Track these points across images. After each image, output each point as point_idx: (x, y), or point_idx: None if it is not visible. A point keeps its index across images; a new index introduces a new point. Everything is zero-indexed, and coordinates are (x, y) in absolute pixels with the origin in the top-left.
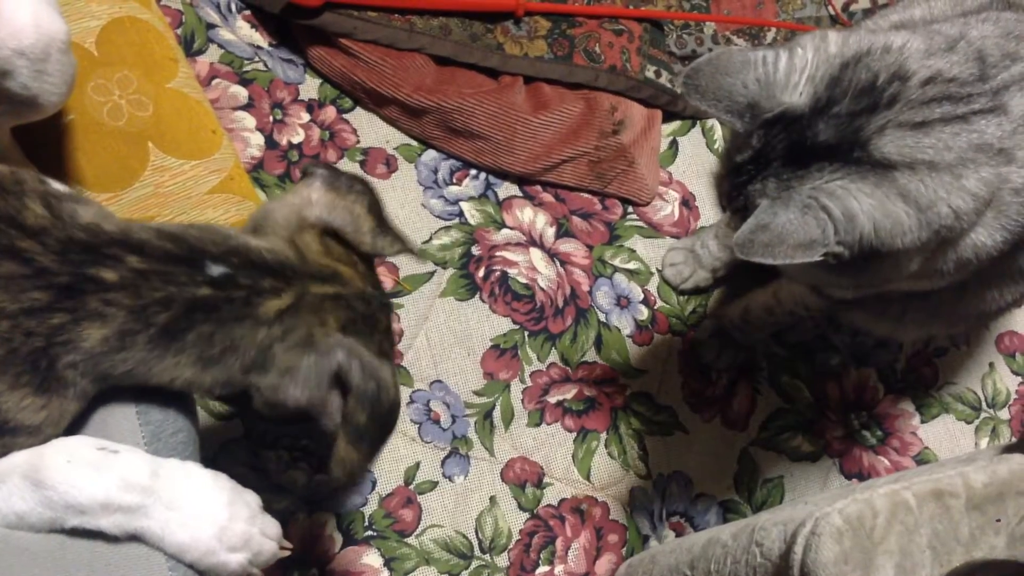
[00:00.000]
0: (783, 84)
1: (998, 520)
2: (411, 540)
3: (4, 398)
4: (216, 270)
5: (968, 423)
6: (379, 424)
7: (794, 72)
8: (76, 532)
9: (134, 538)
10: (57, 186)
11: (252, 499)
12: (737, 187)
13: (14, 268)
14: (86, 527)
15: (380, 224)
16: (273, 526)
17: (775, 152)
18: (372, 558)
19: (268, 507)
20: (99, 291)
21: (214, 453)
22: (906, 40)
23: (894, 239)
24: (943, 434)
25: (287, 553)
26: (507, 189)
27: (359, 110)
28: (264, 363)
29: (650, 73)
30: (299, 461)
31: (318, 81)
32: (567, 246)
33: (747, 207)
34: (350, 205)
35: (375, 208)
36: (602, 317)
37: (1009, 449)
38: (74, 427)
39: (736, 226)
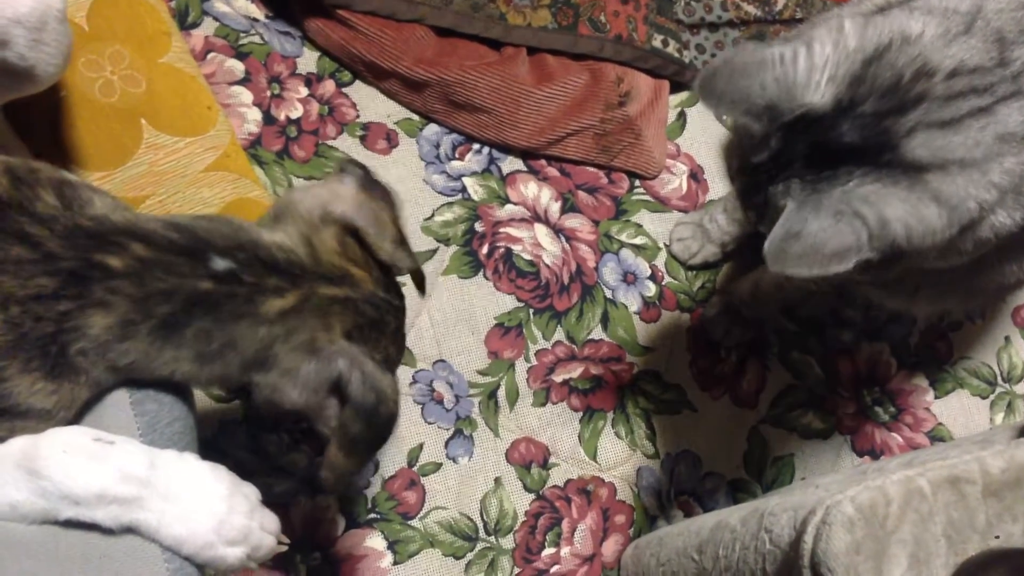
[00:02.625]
0: (804, 84)
1: (997, 536)
2: (415, 522)
3: (15, 382)
4: (220, 264)
5: (983, 398)
6: (374, 435)
7: (814, 71)
8: (70, 523)
9: (130, 530)
10: (72, 177)
11: (251, 492)
12: (755, 185)
13: (23, 252)
14: (81, 519)
15: (401, 237)
16: (272, 520)
17: (796, 153)
18: (375, 541)
19: (269, 490)
20: (104, 279)
21: (213, 436)
22: (923, 26)
23: (924, 240)
24: (957, 410)
25: (284, 548)
26: (511, 164)
27: (359, 84)
28: (265, 361)
29: (657, 42)
30: (300, 443)
31: (316, 54)
32: (572, 221)
33: (767, 204)
34: (378, 210)
35: (399, 221)
36: (608, 294)
37: None
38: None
39: (752, 221)
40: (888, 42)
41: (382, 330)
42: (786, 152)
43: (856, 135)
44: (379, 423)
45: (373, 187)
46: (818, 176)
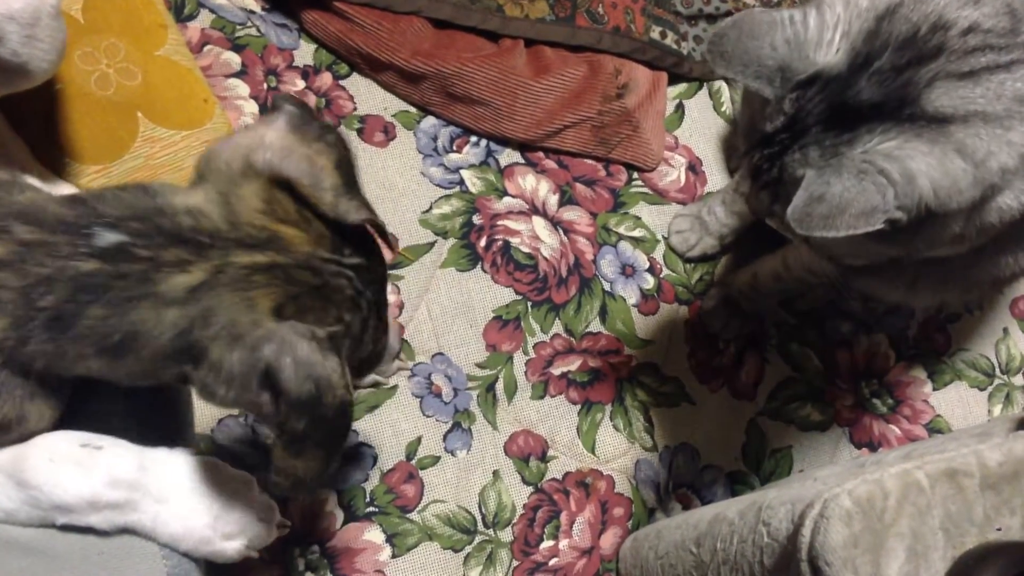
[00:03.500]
0: (815, 42)
1: (998, 529)
2: (413, 516)
3: None
4: (108, 238)
5: (981, 390)
6: (323, 430)
7: (826, 29)
8: (67, 526)
9: (126, 531)
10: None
11: (247, 483)
12: (769, 158)
13: None
14: (76, 523)
15: (347, 184)
16: (269, 508)
17: (812, 117)
18: (374, 534)
19: (267, 484)
20: None
21: (211, 430)
22: None
23: (951, 199)
24: (956, 401)
25: (285, 531)
26: (509, 156)
27: (356, 76)
28: (189, 353)
29: (655, 34)
30: None
31: (313, 46)
32: (570, 214)
33: (782, 179)
34: (313, 155)
35: (345, 166)
36: (607, 286)
37: None
38: (62, 417)
39: (763, 202)
40: (901, 0)
41: (328, 298)
42: (801, 117)
43: (874, 91)
44: (325, 416)
45: (309, 127)
46: (837, 139)
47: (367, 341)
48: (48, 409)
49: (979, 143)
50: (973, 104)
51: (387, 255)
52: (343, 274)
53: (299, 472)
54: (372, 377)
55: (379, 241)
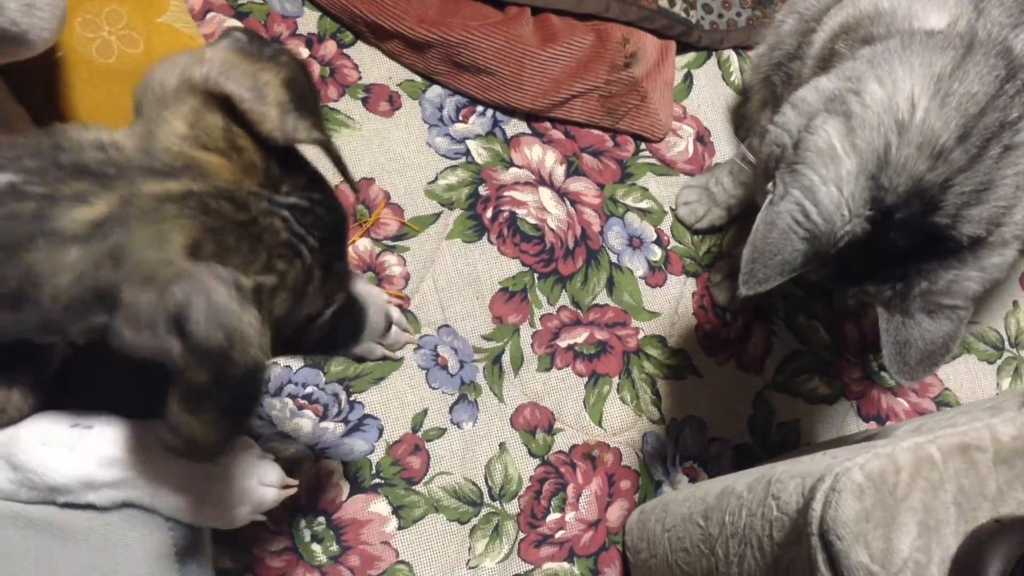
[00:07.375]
0: (829, 231)
1: (996, 521)
2: (419, 488)
3: None
4: None
5: (990, 363)
6: (227, 390)
7: (831, 218)
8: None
9: (128, 505)
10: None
11: (246, 448)
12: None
13: None
14: (75, 502)
15: (298, 102)
16: (271, 471)
17: (859, 268)
18: (380, 506)
19: (274, 455)
20: None
21: None
22: (910, 97)
23: (1005, 272)
24: (964, 375)
25: (293, 491)
26: (515, 126)
27: (360, 44)
28: (102, 299)
29: (663, 2)
30: (304, 409)
31: (317, 14)
32: (577, 185)
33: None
34: (258, 71)
35: (297, 86)
36: (614, 258)
37: None
38: (71, 391)
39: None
40: (885, 144)
41: (258, 238)
42: (848, 267)
43: (907, 239)
44: (232, 375)
45: (259, 47)
46: (891, 275)
47: (311, 294)
48: (28, 397)
49: (1016, 229)
50: (999, 209)
51: (377, 221)
52: (276, 212)
53: (195, 433)
54: (380, 350)
55: (351, 196)
